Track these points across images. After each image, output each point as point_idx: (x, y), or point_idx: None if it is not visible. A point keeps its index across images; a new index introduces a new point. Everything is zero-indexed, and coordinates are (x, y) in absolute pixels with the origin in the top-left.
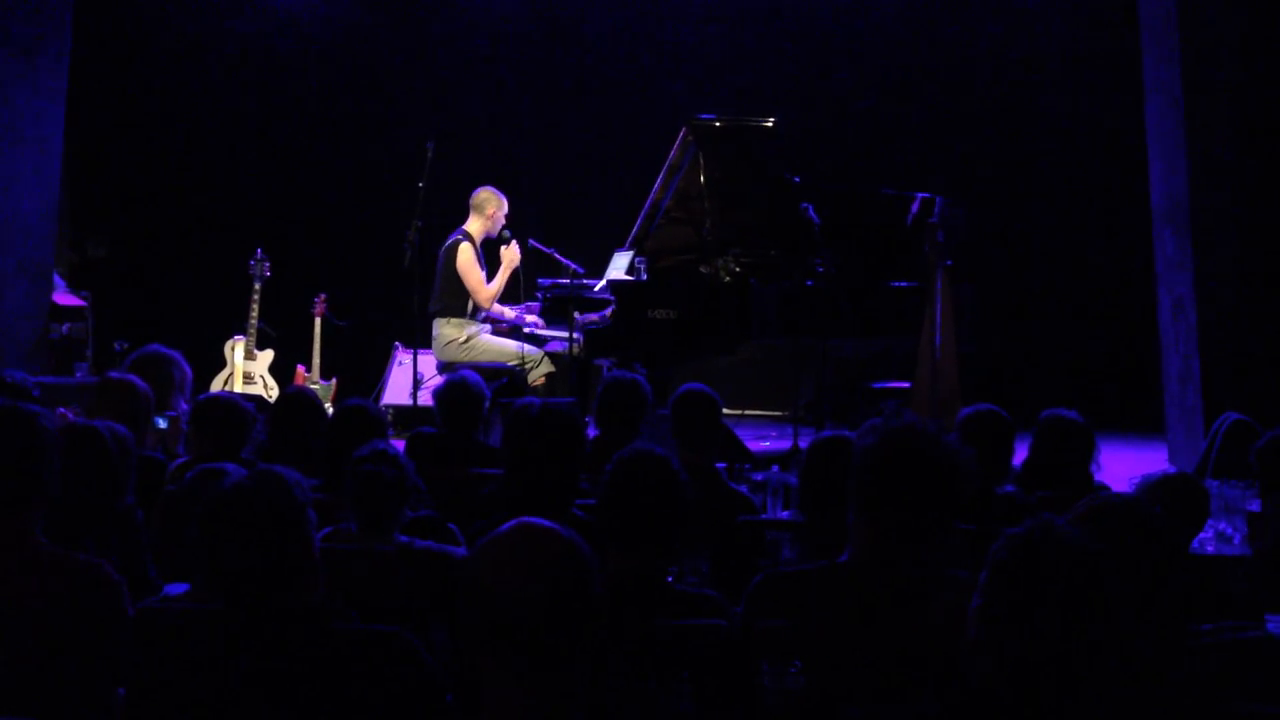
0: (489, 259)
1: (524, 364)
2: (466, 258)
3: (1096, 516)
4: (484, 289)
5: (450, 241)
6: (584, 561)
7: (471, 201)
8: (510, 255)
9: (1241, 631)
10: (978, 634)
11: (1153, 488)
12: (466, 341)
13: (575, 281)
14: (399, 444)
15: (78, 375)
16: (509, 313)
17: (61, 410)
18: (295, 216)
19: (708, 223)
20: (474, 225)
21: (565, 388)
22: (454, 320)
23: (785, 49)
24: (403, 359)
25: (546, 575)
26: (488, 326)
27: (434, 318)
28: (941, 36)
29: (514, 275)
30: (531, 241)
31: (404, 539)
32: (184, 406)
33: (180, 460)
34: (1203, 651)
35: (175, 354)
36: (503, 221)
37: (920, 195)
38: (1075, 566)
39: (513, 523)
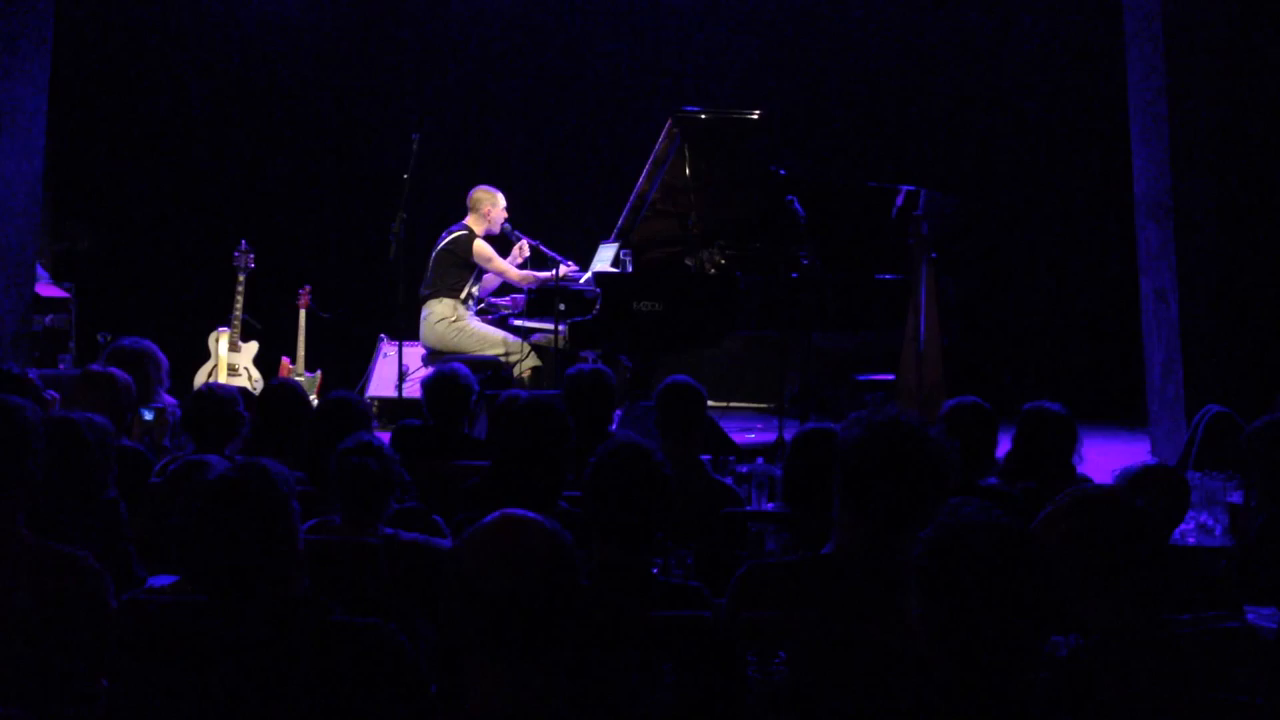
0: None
1: (507, 355)
2: (484, 249)
3: (1078, 508)
4: (514, 269)
5: (458, 233)
6: (566, 553)
7: (468, 201)
8: (520, 252)
9: (1221, 622)
10: (925, 640)
11: (1133, 479)
12: (456, 322)
13: (560, 274)
14: (384, 436)
15: (61, 367)
16: (546, 274)
17: (53, 394)
18: (280, 208)
19: (693, 215)
20: (474, 223)
21: (550, 380)
22: (446, 300)
23: (771, 42)
24: (388, 351)
25: (529, 566)
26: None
27: (425, 300)
28: (926, 30)
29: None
30: (517, 234)
31: (389, 531)
32: (166, 398)
33: (172, 454)
34: (1183, 641)
35: (151, 345)
36: (501, 217)
37: (905, 188)
38: (992, 551)
39: (496, 514)
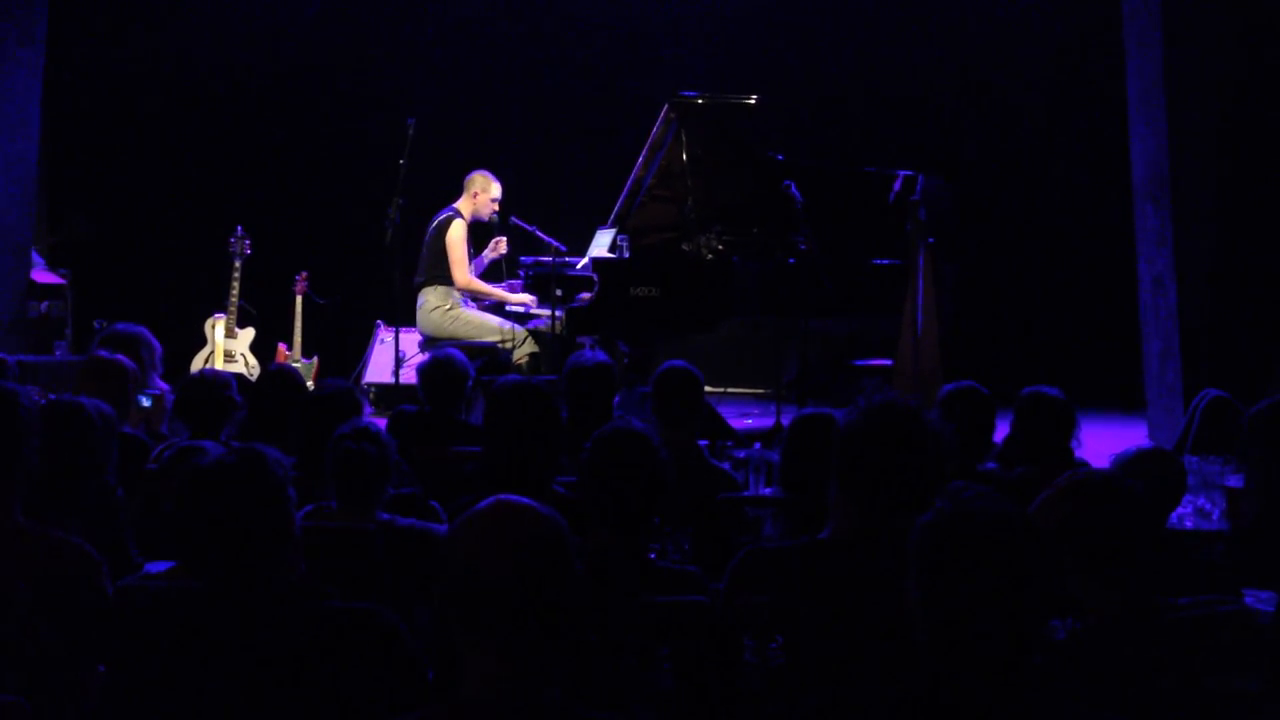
0: (477, 243)
1: (504, 341)
2: (457, 234)
3: (1075, 492)
4: (463, 270)
5: (443, 216)
6: (561, 537)
7: (464, 182)
8: (495, 247)
9: (1218, 606)
10: (923, 624)
11: (1130, 463)
12: (450, 310)
13: (557, 259)
14: (381, 422)
15: (57, 354)
16: (495, 292)
17: (39, 398)
18: (276, 194)
19: (690, 200)
20: (463, 205)
21: (549, 366)
22: (439, 288)
23: (768, 25)
24: (384, 337)
25: (523, 551)
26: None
27: (419, 288)
28: (923, 14)
29: (496, 262)
30: (514, 219)
31: (386, 517)
32: (160, 384)
33: (168, 440)
34: (1180, 625)
35: (144, 330)
36: (491, 206)
37: (903, 173)
38: (990, 535)
39: (490, 499)
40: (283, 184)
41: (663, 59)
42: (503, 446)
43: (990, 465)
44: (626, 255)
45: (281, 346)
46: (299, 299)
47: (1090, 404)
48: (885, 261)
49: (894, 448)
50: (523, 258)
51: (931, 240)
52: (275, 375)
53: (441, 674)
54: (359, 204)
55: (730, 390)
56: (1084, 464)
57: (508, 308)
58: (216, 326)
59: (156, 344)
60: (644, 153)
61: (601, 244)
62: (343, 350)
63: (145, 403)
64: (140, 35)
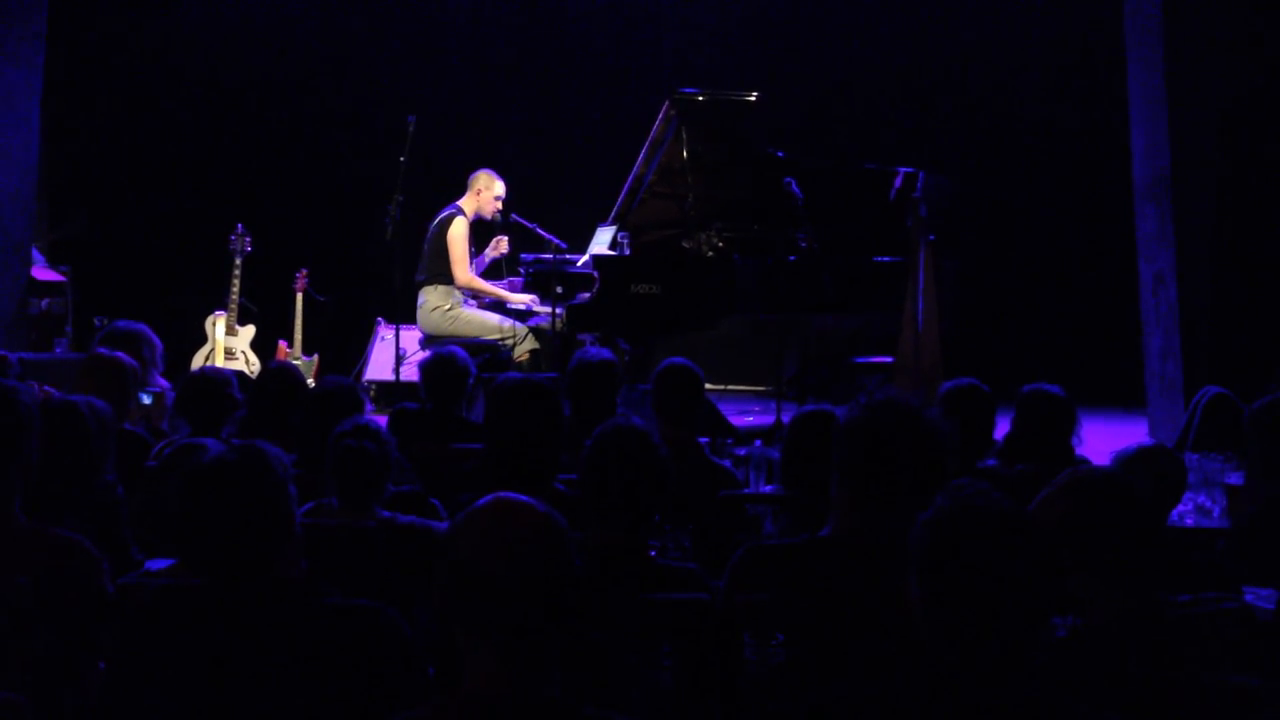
0: (480, 241)
1: (504, 338)
2: (459, 232)
3: (1075, 489)
4: (464, 268)
5: (446, 214)
6: (559, 535)
7: (468, 180)
8: (496, 246)
9: (1219, 603)
10: (924, 621)
11: (1130, 460)
12: (450, 310)
13: (558, 257)
14: (382, 419)
15: (57, 351)
16: (495, 290)
17: (44, 388)
18: (276, 191)
19: (690, 197)
20: (466, 203)
21: (549, 363)
22: (440, 288)
23: (769, 22)
24: (385, 334)
25: (522, 549)
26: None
27: (420, 286)
28: (924, 11)
29: (497, 260)
30: (514, 216)
31: (386, 514)
32: (160, 381)
33: (169, 437)
34: (1181, 623)
35: (144, 328)
36: (495, 204)
37: (903, 170)
38: (991, 532)
39: (489, 497)
40: (283, 181)
41: (663, 56)
42: (504, 444)
43: (991, 462)
44: (627, 252)
45: (282, 344)
46: (299, 296)
47: (1091, 401)
48: (886, 259)
49: (895, 445)
50: (523, 255)
51: (932, 237)
52: (276, 372)
53: (442, 671)
54: (359, 201)
55: (731, 388)
56: (1085, 461)
57: (509, 306)
58: (217, 324)
59: (157, 341)
60: (644, 150)
61: (602, 241)
62: (343, 347)
63: (146, 400)
64: (140, 33)
